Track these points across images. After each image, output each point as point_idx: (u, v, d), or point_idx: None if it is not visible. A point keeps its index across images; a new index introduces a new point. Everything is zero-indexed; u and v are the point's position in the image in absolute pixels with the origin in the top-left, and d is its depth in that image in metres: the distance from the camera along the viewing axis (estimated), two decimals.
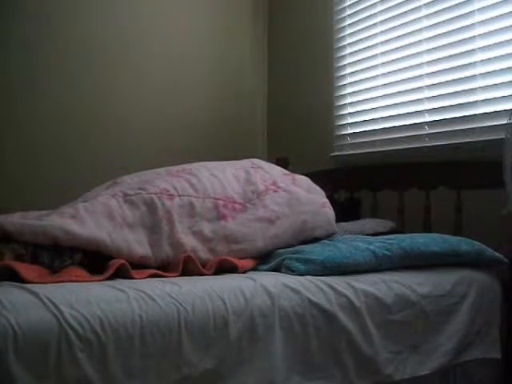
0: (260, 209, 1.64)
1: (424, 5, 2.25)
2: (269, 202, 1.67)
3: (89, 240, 1.40)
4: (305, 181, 1.85)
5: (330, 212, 1.74)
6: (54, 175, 2.67)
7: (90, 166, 2.76)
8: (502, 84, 1.93)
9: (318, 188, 1.85)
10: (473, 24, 2.04)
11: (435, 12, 2.20)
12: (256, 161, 1.92)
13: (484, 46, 2.00)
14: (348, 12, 2.71)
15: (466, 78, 2.06)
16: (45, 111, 2.71)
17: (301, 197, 1.72)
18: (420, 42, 2.27)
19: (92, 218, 1.46)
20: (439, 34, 2.18)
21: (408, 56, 2.32)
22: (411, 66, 2.31)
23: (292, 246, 1.61)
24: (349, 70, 2.69)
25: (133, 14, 2.94)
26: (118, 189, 1.62)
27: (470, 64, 2.05)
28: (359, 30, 2.62)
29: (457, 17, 2.11)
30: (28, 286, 1.14)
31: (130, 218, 1.51)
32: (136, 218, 1.52)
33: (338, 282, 1.38)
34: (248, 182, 1.73)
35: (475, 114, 2.02)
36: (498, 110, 1.92)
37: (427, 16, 2.24)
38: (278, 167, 1.94)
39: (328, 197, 1.84)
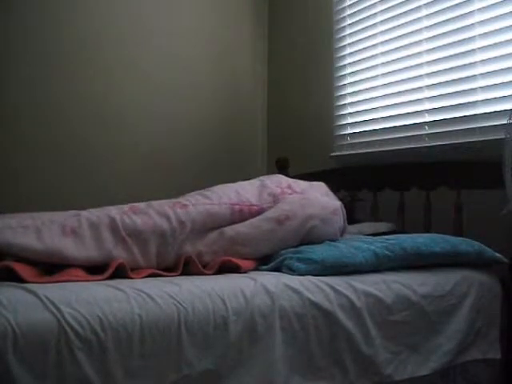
0: (272, 209, 1.64)
1: (424, 5, 2.25)
2: (282, 203, 1.66)
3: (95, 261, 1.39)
4: (322, 187, 1.85)
5: (339, 221, 1.72)
6: (53, 176, 2.67)
7: (88, 166, 2.76)
8: (502, 84, 1.93)
9: (333, 194, 1.84)
10: (473, 24, 2.04)
11: (435, 12, 2.20)
12: (269, 175, 1.93)
13: (484, 46, 1.99)
14: (348, 12, 2.71)
15: (466, 77, 2.06)
16: (44, 112, 2.71)
17: (313, 198, 1.71)
18: (420, 41, 2.27)
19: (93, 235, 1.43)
20: (439, 34, 2.18)
21: (408, 56, 2.32)
22: (411, 66, 2.31)
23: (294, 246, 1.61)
24: (349, 70, 2.69)
25: (132, 14, 2.94)
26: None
27: (470, 64, 2.05)
28: (359, 30, 2.62)
29: (457, 17, 2.11)
30: (28, 285, 1.14)
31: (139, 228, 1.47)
32: (148, 227, 1.48)
33: (339, 282, 1.38)
34: (263, 187, 1.73)
35: (475, 114, 2.02)
36: (498, 109, 1.92)
37: (427, 16, 2.24)
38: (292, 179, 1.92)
39: None
